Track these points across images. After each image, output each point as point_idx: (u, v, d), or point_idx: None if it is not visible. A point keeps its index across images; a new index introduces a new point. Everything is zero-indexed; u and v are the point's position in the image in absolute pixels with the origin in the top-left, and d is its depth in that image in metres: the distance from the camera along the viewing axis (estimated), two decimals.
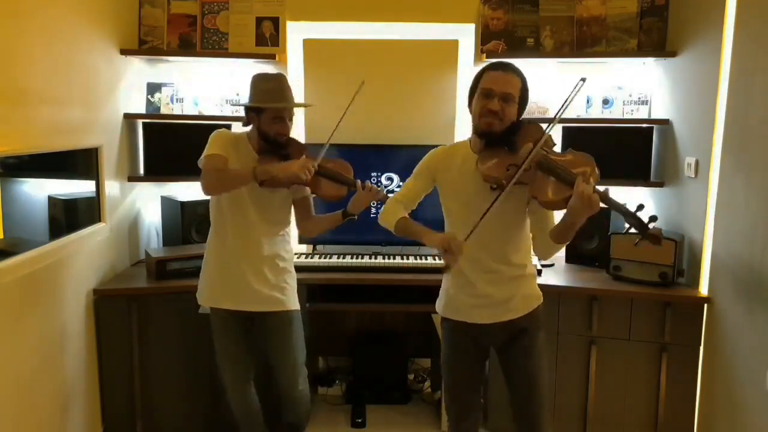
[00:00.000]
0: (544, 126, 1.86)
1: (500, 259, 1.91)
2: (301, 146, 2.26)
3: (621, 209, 1.73)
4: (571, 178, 1.72)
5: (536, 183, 1.78)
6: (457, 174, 1.93)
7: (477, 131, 1.89)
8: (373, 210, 3.07)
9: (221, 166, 2.11)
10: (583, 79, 1.84)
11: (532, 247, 1.97)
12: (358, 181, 2.20)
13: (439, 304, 2.08)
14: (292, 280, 2.33)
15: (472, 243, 1.80)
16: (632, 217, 1.72)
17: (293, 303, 2.29)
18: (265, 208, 2.22)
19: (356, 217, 2.26)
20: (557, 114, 1.86)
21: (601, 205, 1.69)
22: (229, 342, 2.30)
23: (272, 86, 2.16)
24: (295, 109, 3.16)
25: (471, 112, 1.92)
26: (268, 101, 2.14)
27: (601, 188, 1.72)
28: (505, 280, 1.93)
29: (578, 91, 1.83)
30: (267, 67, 3.11)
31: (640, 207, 1.73)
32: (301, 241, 3.10)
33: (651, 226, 1.72)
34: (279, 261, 2.26)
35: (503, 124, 1.84)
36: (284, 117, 2.17)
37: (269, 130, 2.16)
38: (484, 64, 1.95)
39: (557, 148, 1.89)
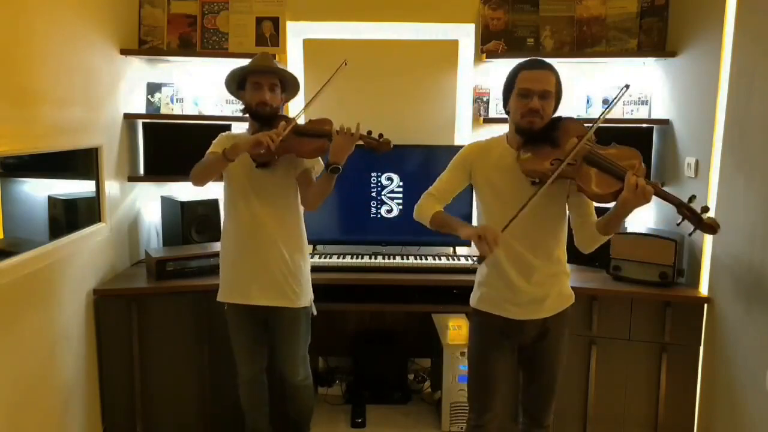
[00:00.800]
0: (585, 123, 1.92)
1: (540, 254, 1.94)
2: (287, 118, 2.25)
3: (674, 201, 1.77)
4: (619, 171, 1.77)
5: (583, 176, 1.82)
6: (494, 169, 1.96)
7: (519, 130, 1.91)
8: (373, 210, 3.07)
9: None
10: (627, 86, 1.91)
11: (576, 241, 1.99)
12: (334, 129, 2.14)
13: (474, 297, 2.09)
14: (303, 275, 2.33)
15: (512, 237, 1.83)
16: (686, 208, 1.76)
17: (304, 299, 2.32)
18: (267, 193, 2.23)
19: (340, 167, 2.10)
20: (602, 114, 1.91)
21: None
22: (244, 336, 2.35)
23: (255, 59, 2.25)
24: (298, 108, 3.17)
25: (507, 110, 1.96)
26: (246, 68, 2.22)
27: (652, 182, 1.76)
28: (543, 276, 1.95)
29: (622, 95, 1.91)
30: None
31: (692, 198, 1.77)
32: None
33: (704, 216, 1.74)
34: (293, 255, 2.27)
35: (544, 120, 1.88)
36: (262, 84, 2.19)
37: (252, 101, 2.21)
38: (517, 62, 1.96)
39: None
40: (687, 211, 1.76)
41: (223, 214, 2.37)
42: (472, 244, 2.06)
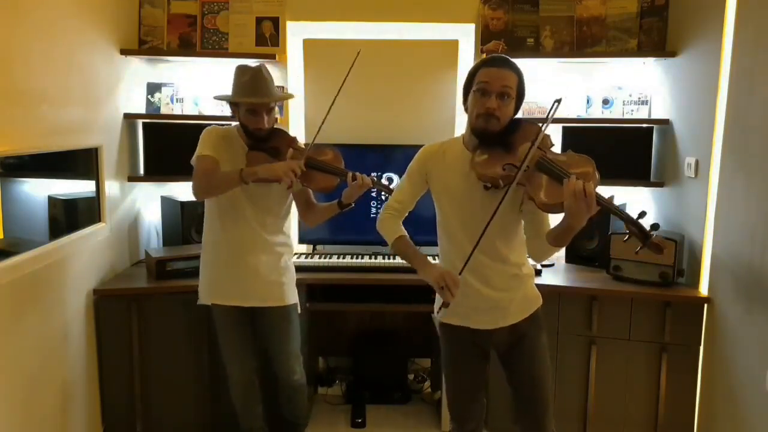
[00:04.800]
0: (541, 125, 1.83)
1: (496, 258, 1.88)
2: (288, 138, 2.26)
3: (622, 215, 1.66)
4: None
5: (534, 184, 1.73)
6: (449, 172, 1.90)
7: (474, 130, 1.84)
8: (374, 210, 3.07)
9: (211, 168, 2.13)
10: (558, 101, 1.77)
11: (527, 250, 1.94)
12: (349, 174, 2.17)
13: (437, 308, 2.03)
14: (291, 274, 2.36)
15: (469, 242, 1.77)
16: (633, 224, 1.65)
17: (292, 297, 2.34)
18: (262, 203, 2.24)
19: (353, 204, 2.27)
20: (550, 111, 1.77)
21: (599, 207, 1.63)
22: (232, 337, 2.33)
23: (246, 79, 2.16)
24: (298, 108, 3.18)
25: (466, 110, 1.88)
26: (241, 95, 2.15)
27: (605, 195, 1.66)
28: (503, 279, 1.89)
29: (556, 110, 1.76)
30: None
31: (642, 214, 1.68)
32: (302, 241, 3.10)
33: (653, 233, 1.65)
34: (279, 257, 2.29)
35: (501, 123, 1.79)
36: (258, 111, 2.16)
37: (247, 123, 2.18)
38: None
39: (556, 149, 1.87)
40: (634, 227, 1.65)
41: (207, 216, 2.30)
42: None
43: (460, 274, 1.75)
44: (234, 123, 2.31)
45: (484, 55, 2.99)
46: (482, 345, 1.99)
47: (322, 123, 2.15)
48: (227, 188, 2.13)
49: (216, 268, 2.28)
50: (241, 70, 2.20)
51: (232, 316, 2.30)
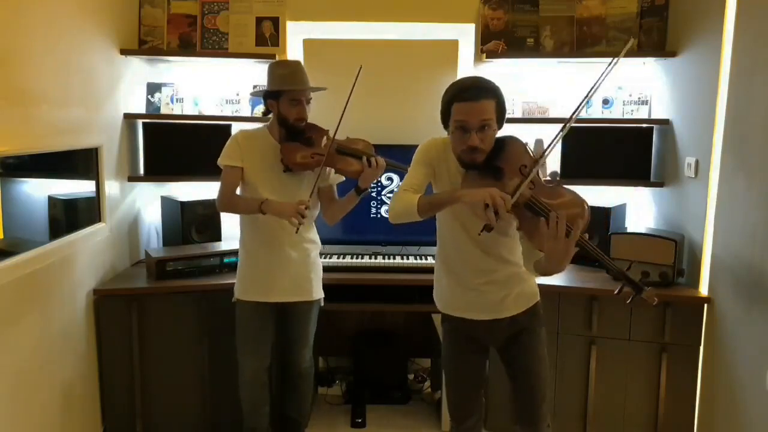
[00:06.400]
0: (525, 141, 1.82)
1: (500, 260, 1.91)
2: (321, 130, 2.34)
3: (610, 266, 1.71)
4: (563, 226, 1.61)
5: (527, 224, 1.71)
6: (448, 177, 1.90)
7: (461, 162, 1.83)
8: (373, 210, 3.07)
9: (235, 182, 2.29)
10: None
11: (523, 264, 1.93)
12: (364, 158, 2.27)
13: (437, 301, 2.08)
14: (318, 269, 2.48)
15: (479, 254, 1.81)
16: (624, 277, 1.71)
17: (318, 291, 2.47)
18: (293, 197, 2.30)
19: (369, 189, 2.35)
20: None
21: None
22: (256, 332, 2.40)
23: (288, 71, 2.28)
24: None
25: (446, 130, 1.85)
26: (285, 85, 2.25)
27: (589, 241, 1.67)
28: (501, 278, 1.93)
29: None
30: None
31: (630, 266, 1.73)
32: None
33: (645, 288, 1.70)
34: (308, 252, 2.39)
35: (486, 151, 1.78)
36: (301, 100, 2.27)
37: (288, 114, 2.26)
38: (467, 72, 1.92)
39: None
40: (626, 280, 1.70)
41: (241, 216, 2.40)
42: None
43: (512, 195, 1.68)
44: (261, 124, 2.39)
45: (484, 56, 2.99)
46: (481, 339, 2.01)
47: (341, 119, 2.21)
48: (247, 213, 2.31)
49: (252, 266, 2.37)
50: (279, 64, 2.35)
51: (257, 313, 2.37)
